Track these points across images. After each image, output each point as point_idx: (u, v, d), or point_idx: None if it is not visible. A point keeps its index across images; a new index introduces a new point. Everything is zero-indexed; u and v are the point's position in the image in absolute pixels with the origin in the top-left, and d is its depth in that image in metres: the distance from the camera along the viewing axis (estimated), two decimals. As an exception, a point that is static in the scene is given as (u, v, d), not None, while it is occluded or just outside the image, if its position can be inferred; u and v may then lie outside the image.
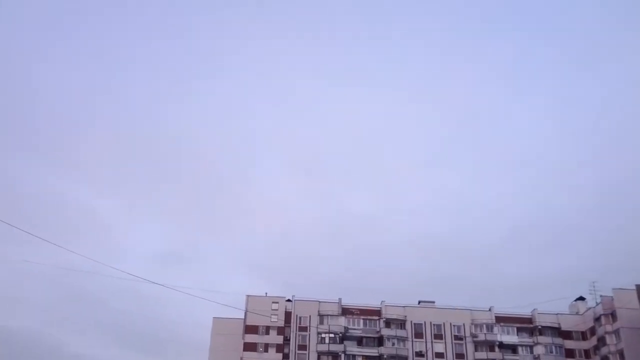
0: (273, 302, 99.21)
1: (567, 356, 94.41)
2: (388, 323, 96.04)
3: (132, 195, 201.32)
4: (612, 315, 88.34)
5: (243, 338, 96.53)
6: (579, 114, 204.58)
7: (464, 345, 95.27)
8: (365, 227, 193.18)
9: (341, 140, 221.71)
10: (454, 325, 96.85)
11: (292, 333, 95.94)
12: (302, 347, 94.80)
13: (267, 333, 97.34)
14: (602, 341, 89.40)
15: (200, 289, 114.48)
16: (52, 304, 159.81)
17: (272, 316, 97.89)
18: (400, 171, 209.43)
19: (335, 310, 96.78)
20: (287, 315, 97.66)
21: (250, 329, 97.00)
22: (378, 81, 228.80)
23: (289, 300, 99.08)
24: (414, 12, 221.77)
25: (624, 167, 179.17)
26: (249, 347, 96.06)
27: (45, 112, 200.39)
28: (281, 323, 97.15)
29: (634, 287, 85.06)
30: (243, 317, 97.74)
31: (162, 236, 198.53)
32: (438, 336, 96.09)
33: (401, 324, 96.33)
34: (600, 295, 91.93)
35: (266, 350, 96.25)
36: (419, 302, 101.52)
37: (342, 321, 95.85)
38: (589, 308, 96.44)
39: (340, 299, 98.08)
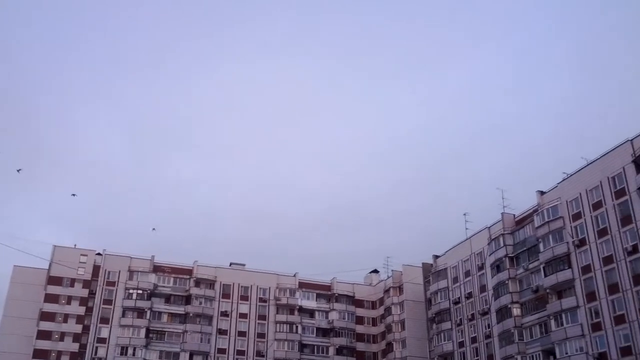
0: (82, 255, 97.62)
1: (357, 322, 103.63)
2: (198, 282, 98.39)
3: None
4: (400, 288, 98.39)
5: (45, 289, 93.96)
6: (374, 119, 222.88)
7: (267, 307, 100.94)
8: (185, 192, 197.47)
9: (171, 106, 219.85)
10: (260, 288, 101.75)
11: (98, 287, 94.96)
12: (108, 301, 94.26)
13: (72, 285, 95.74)
14: (388, 311, 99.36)
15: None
16: None
17: (79, 269, 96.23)
18: (236, 146, 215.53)
19: (147, 267, 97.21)
20: (96, 269, 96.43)
21: (53, 280, 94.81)
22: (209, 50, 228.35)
23: (99, 254, 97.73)
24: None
25: (415, 164, 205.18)
26: (51, 298, 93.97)
27: None
28: (88, 276, 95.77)
29: (420, 265, 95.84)
30: (47, 267, 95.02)
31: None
32: (244, 297, 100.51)
33: (211, 284, 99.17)
34: (392, 270, 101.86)
35: (69, 303, 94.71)
36: (230, 264, 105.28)
37: (152, 278, 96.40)
38: (381, 280, 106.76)
39: (153, 256, 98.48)
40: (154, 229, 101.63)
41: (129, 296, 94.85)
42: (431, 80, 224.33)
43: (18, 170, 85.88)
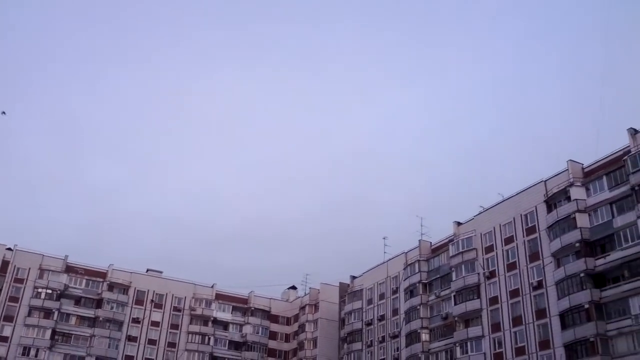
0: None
1: (270, 338, 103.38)
2: (112, 287, 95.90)
3: None
4: (315, 306, 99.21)
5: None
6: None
7: (181, 316, 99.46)
8: (105, 196, 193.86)
9: (96, 108, 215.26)
10: (175, 297, 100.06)
11: (5, 283, 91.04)
12: (14, 299, 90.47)
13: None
14: (302, 328, 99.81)
15: None
16: None
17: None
18: (160, 153, 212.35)
19: (59, 266, 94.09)
20: (5, 264, 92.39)
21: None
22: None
23: (9, 249, 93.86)
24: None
25: (343, 188, 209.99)
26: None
27: None
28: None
29: (338, 284, 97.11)
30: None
31: None
32: (158, 305, 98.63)
33: (125, 289, 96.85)
34: (310, 287, 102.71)
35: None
36: (147, 270, 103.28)
37: (64, 278, 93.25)
38: (298, 297, 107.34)
39: (66, 256, 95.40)
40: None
41: (37, 295, 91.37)
42: (361, 109, 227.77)
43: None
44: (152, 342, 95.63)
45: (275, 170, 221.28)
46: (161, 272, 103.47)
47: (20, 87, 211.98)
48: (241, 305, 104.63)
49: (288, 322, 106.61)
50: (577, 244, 58.84)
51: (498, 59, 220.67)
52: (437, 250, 79.67)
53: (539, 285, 62.54)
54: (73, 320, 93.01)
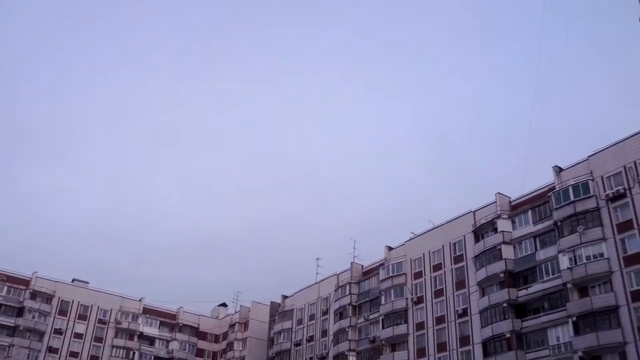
0: None
1: (197, 355, 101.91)
2: (34, 295, 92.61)
3: None
4: (245, 324, 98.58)
5: None
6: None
7: (106, 329, 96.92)
8: (36, 202, 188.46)
9: (32, 112, 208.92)
10: (101, 309, 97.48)
11: None
12: None
13: None
14: (230, 346, 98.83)
15: None
16: None
17: None
18: (97, 161, 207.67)
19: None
20: None
21: None
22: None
23: None
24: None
25: (278, 207, 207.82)
26: None
27: None
28: None
29: (269, 303, 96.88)
30: None
31: None
32: (83, 317, 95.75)
33: (49, 298, 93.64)
34: (241, 305, 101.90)
35: None
36: (73, 280, 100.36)
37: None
38: (228, 315, 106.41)
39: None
40: None
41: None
42: (299, 135, 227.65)
43: None
44: (74, 354, 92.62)
45: (214, 184, 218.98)
46: (87, 283, 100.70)
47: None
48: (169, 320, 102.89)
49: (217, 339, 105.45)
50: (502, 275, 60.93)
51: (428, 93, 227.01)
52: (368, 273, 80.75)
53: (464, 312, 64.27)
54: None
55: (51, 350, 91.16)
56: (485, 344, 60.31)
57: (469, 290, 64.60)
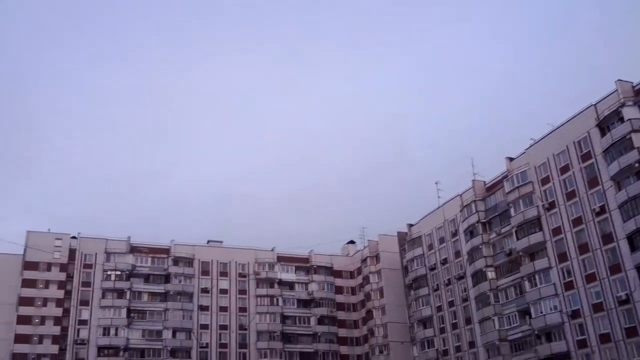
0: (56, 239, 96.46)
1: (336, 292, 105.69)
2: (176, 261, 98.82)
3: None
4: (376, 257, 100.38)
5: (21, 274, 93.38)
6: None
7: (247, 282, 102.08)
8: (157, 178, 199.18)
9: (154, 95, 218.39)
10: (239, 264, 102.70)
11: (75, 270, 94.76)
12: (87, 284, 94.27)
13: (49, 270, 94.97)
14: (366, 280, 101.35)
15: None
16: None
17: (55, 253, 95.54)
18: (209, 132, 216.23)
19: (124, 248, 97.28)
20: (72, 252, 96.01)
21: (29, 266, 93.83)
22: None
23: (74, 238, 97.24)
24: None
25: (383, 151, 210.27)
26: (28, 283, 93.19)
27: None
28: (65, 260, 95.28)
29: (396, 234, 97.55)
30: (22, 253, 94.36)
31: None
32: (224, 274, 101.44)
33: (189, 262, 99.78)
34: (368, 240, 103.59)
35: (47, 287, 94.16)
36: (208, 242, 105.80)
37: (130, 259, 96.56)
38: (358, 251, 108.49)
39: (129, 237, 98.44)
40: None
41: (107, 277, 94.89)
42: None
43: None
44: (223, 309, 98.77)
45: (322, 137, 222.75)
46: (221, 242, 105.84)
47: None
48: (303, 264, 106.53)
49: (351, 275, 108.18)
50: (637, 164, 57.54)
51: None
52: (492, 188, 79.04)
53: (602, 210, 61.60)
54: (145, 297, 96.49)
55: (202, 308, 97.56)
56: (630, 238, 57.57)
57: (603, 187, 61.66)
